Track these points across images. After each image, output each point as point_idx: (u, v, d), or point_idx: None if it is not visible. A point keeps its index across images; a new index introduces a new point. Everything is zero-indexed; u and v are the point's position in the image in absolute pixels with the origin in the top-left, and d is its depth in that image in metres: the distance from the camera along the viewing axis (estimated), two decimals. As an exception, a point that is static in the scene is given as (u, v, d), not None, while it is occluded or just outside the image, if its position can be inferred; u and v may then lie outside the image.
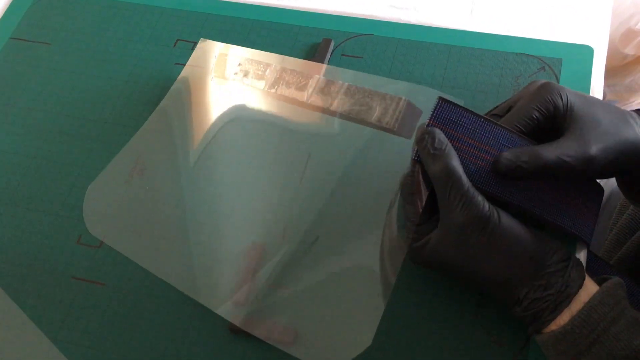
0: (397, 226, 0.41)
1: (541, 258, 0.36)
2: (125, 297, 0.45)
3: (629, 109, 0.46)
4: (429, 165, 0.37)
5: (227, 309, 0.42)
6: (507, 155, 0.36)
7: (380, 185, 0.45)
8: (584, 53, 0.51)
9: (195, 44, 0.55)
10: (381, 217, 0.43)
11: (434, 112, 0.38)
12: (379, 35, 0.54)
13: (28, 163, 0.52)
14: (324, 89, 0.47)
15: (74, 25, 0.59)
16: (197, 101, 0.52)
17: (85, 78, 0.56)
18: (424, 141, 0.37)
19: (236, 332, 0.42)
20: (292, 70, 0.50)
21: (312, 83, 0.48)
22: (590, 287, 0.36)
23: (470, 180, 0.37)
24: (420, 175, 0.39)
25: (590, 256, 0.45)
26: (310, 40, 0.55)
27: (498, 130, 0.39)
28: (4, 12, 0.61)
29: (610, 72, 1.12)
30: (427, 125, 0.38)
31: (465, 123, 0.38)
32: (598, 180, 0.42)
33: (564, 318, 0.35)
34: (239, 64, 0.51)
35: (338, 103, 0.47)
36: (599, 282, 0.37)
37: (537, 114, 0.38)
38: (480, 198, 0.36)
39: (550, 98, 0.38)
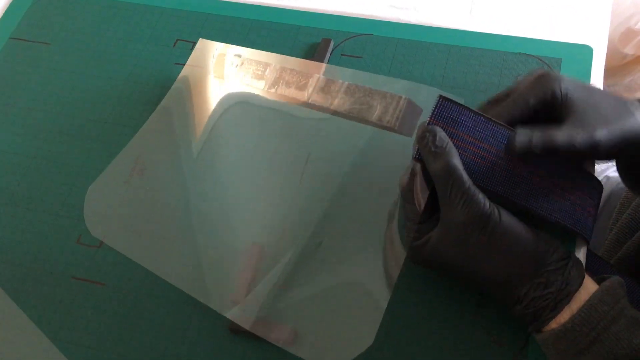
0: (398, 225, 0.41)
1: (541, 256, 0.36)
2: (125, 297, 0.45)
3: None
4: (429, 163, 0.37)
5: (228, 308, 0.42)
6: (521, 135, 0.36)
7: (381, 183, 0.45)
8: (584, 53, 0.51)
9: (194, 44, 0.55)
10: (382, 217, 0.43)
11: (434, 111, 0.38)
12: (379, 35, 0.54)
13: (28, 163, 0.52)
14: (324, 88, 0.47)
15: (74, 25, 0.59)
16: (197, 101, 0.52)
17: (85, 78, 0.56)
18: (425, 139, 0.37)
19: (236, 332, 0.42)
20: (292, 69, 0.50)
21: (312, 82, 0.48)
22: (590, 286, 0.36)
23: (471, 178, 0.37)
24: (421, 174, 0.39)
25: (590, 255, 0.45)
26: (310, 40, 0.55)
27: (498, 128, 0.39)
28: (4, 12, 0.61)
29: (610, 72, 1.12)
30: (428, 124, 0.38)
31: (465, 121, 0.38)
32: (598, 180, 0.42)
33: (564, 316, 0.35)
34: (236, 56, 0.51)
35: (338, 102, 0.47)
36: (598, 282, 0.37)
37: (534, 101, 0.38)
38: (481, 196, 0.36)
39: (548, 86, 0.38)
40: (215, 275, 0.44)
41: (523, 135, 0.36)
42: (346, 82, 0.47)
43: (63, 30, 0.59)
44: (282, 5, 0.58)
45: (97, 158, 0.51)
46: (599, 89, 0.39)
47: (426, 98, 0.46)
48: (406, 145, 0.45)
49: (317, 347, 0.40)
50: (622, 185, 0.64)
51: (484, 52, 0.52)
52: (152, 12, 0.59)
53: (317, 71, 0.50)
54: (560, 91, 0.38)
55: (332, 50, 0.54)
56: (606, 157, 0.40)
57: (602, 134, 0.36)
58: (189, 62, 0.54)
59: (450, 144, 0.37)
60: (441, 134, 0.37)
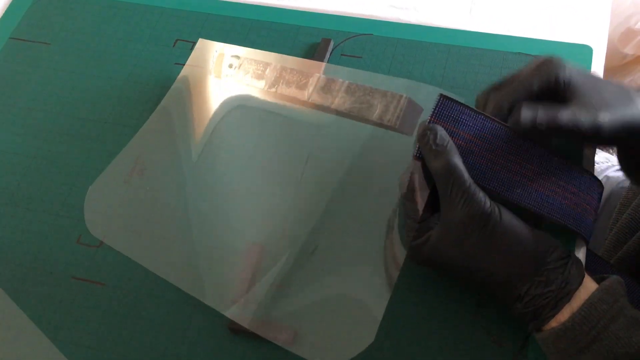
0: (398, 224, 0.41)
1: (542, 255, 0.36)
2: (125, 297, 0.45)
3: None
4: (430, 161, 0.37)
5: (228, 307, 0.42)
6: (526, 110, 0.37)
7: (381, 182, 0.45)
8: (583, 53, 0.51)
9: (194, 44, 0.55)
10: (383, 216, 0.43)
11: (435, 109, 0.38)
12: (379, 35, 0.54)
13: (28, 163, 0.52)
14: (325, 87, 0.47)
15: (74, 25, 0.59)
16: (197, 101, 0.52)
17: (85, 78, 0.56)
18: (426, 137, 0.37)
19: (236, 331, 0.42)
20: (292, 69, 0.50)
21: (312, 82, 0.48)
22: (589, 285, 0.36)
23: (471, 177, 0.37)
24: (422, 173, 0.39)
25: (590, 255, 0.45)
26: (310, 40, 0.55)
27: (499, 127, 0.39)
28: (3, 12, 0.61)
29: (610, 72, 1.12)
30: (429, 122, 0.38)
31: (466, 120, 0.38)
32: (599, 180, 0.42)
33: (564, 315, 0.35)
34: (236, 56, 0.51)
35: (339, 101, 0.47)
36: (598, 281, 0.37)
37: (538, 85, 0.38)
38: (481, 195, 0.36)
39: (552, 71, 0.38)
40: (214, 274, 0.44)
41: (528, 111, 0.37)
42: (346, 81, 0.47)
43: (63, 30, 0.59)
44: (282, 5, 0.58)
45: (97, 158, 0.51)
46: (601, 78, 0.40)
47: (426, 97, 0.46)
48: (407, 144, 0.45)
49: (317, 346, 0.40)
50: (622, 185, 0.64)
51: (484, 52, 0.52)
52: (152, 12, 0.59)
53: (318, 70, 0.50)
54: (564, 76, 0.38)
55: (332, 50, 0.54)
56: (607, 142, 0.40)
57: (605, 117, 0.36)
58: (188, 62, 0.54)
59: (451, 142, 0.37)
60: (442, 132, 0.37)
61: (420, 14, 0.56)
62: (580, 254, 0.41)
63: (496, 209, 0.36)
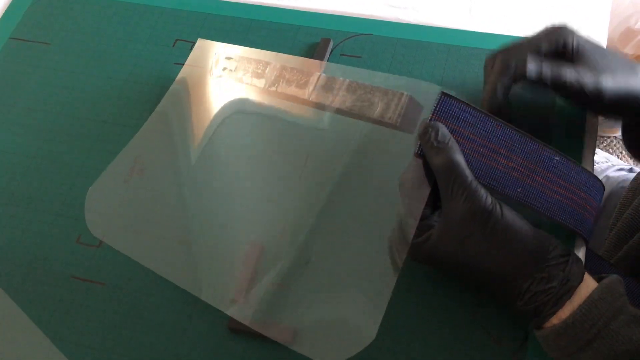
0: (399, 223, 0.41)
1: (543, 252, 0.36)
2: (125, 297, 0.45)
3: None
4: (432, 158, 0.37)
5: (228, 305, 0.42)
6: (532, 62, 0.39)
7: (383, 180, 0.45)
8: (583, 52, 0.51)
9: (194, 44, 0.55)
10: (384, 214, 0.43)
11: (436, 107, 0.38)
12: (378, 34, 0.54)
13: (28, 163, 0.52)
14: (325, 86, 0.47)
15: (74, 25, 0.59)
16: (197, 101, 0.52)
17: (85, 78, 0.56)
18: (427, 134, 0.37)
19: (236, 331, 0.42)
20: (292, 68, 0.50)
21: (312, 80, 0.48)
22: (590, 283, 0.36)
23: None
24: (423, 170, 0.39)
25: (591, 255, 0.45)
26: (309, 40, 0.55)
27: (500, 126, 0.39)
28: (3, 12, 0.61)
29: (610, 72, 1.12)
30: (430, 120, 0.38)
31: (467, 118, 0.38)
32: (600, 180, 0.42)
33: (565, 312, 0.35)
34: (235, 56, 0.51)
35: (340, 99, 0.47)
36: (597, 281, 0.37)
37: (547, 47, 0.40)
38: (483, 191, 0.36)
39: (561, 36, 0.40)
40: (215, 273, 0.44)
41: (534, 63, 0.39)
42: (347, 80, 0.47)
43: (63, 30, 0.59)
44: (282, 5, 0.58)
45: (97, 158, 0.51)
46: (610, 50, 0.42)
47: (427, 95, 0.46)
48: (408, 142, 0.45)
49: (318, 344, 0.40)
50: (622, 185, 0.64)
51: (484, 52, 0.52)
52: (152, 12, 0.59)
53: (317, 69, 0.50)
54: (573, 41, 0.40)
55: (332, 50, 0.54)
56: (609, 109, 0.41)
57: (609, 81, 0.38)
58: (188, 61, 0.54)
59: (453, 139, 0.37)
60: (443, 129, 0.37)
61: (419, 14, 0.56)
62: (580, 254, 0.41)
63: (497, 206, 0.36)
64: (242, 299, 0.42)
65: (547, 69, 0.39)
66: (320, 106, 0.48)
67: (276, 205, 0.46)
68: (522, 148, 0.39)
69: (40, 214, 0.49)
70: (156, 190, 0.48)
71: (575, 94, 0.39)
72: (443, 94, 0.38)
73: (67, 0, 0.61)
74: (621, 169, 0.69)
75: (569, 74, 0.38)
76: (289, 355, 0.41)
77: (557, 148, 0.40)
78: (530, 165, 0.39)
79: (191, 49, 0.55)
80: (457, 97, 0.38)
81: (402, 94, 0.45)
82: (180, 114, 0.51)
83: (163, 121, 0.51)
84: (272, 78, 0.49)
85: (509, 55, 0.41)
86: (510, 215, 0.36)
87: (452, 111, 0.38)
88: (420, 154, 0.38)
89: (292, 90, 0.48)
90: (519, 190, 0.38)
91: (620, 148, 1.29)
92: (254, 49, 0.52)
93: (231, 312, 0.42)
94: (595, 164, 0.45)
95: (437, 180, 0.37)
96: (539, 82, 0.39)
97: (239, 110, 0.50)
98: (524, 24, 0.54)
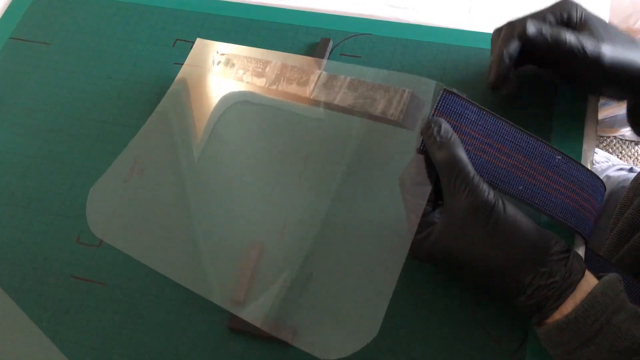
0: (400, 220, 0.41)
1: (544, 247, 0.36)
2: (125, 297, 0.45)
3: (624, 108, 0.47)
4: (434, 153, 0.37)
5: (230, 303, 0.42)
6: (532, 22, 0.41)
7: (385, 177, 0.45)
8: (583, 52, 0.51)
9: (194, 43, 0.55)
10: (385, 211, 0.43)
11: (438, 104, 0.38)
12: (378, 34, 0.54)
13: (28, 163, 0.52)
14: (327, 84, 0.47)
15: (74, 25, 0.59)
16: (196, 100, 0.52)
17: (85, 78, 0.56)
18: (430, 130, 0.38)
19: (236, 331, 0.42)
20: (293, 66, 0.50)
21: (313, 78, 0.48)
22: (590, 279, 0.36)
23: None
24: (425, 166, 0.39)
25: (591, 254, 0.45)
26: (309, 39, 0.55)
27: (501, 123, 0.39)
28: (3, 12, 0.61)
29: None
30: (432, 116, 0.38)
31: (469, 115, 0.38)
32: (601, 181, 0.42)
33: (567, 307, 0.35)
34: (235, 55, 0.51)
35: (341, 97, 0.47)
36: (597, 279, 0.37)
37: (552, 19, 0.42)
38: (485, 186, 0.36)
39: (566, 7, 0.42)
40: (216, 272, 0.44)
41: (535, 23, 0.41)
42: (348, 78, 0.47)
43: (63, 30, 0.59)
44: (281, 5, 0.58)
45: (97, 158, 0.51)
46: (613, 25, 0.44)
47: (429, 92, 0.46)
48: (410, 139, 0.45)
49: (319, 340, 0.40)
50: (622, 184, 0.64)
51: (484, 52, 0.52)
52: (152, 12, 0.59)
53: (318, 68, 0.50)
54: (577, 15, 0.42)
55: (331, 50, 0.54)
56: (610, 80, 0.42)
57: (609, 48, 0.41)
58: (187, 61, 0.54)
59: (455, 135, 0.37)
60: (446, 125, 0.38)
61: (419, 14, 0.56)
62: (580, 253, 0.41)
63: (500, 201, 0.36)
64: (243, 297, 0.42)
65: (547, 28, 0.41)
66: (321, 104, 0.48)
67: (277, 204, 0.46)
68: (524, 146, 0.39)
69: (40, 214, 0.49)
70: (156, 190, 0.48)
71: (575, 55, 0.40)
72: (445, 90, 0.38)
73: (67, 0, 0.61)
74: (621, 169, 0.69)
75: (569, 35, 0.40)
76: (289, 355, 0.41)
77: (557, 147, 0.40)
78: (531, 163, 0.39)
79: (191, 48, 0.55)
80: (459, 94, 0.38)
81: (404, 90, 0.45)
82: (180, 114, 0.51)
83: (163, 121, 0.51)
84: (273, 77, 0.49)
85: (513, 22, 0.43)
86: (512, 210, 0.36)
87: (454, 108, 0.38)
88: (423, 150, 0.38)
89: (293, 88, 0.48)
90: (520, 188, 0.38)
91: (620, 148, 1.29)
92: (254, 48, 0.52)
93: (232, 309, 0.42)
94: (595, 163, 0.45)
95: (440, 175, 0.37)
96: (540, 41, 0.40)
97: (239, 110, 0.50)
98: (524, 24, 0.54)
